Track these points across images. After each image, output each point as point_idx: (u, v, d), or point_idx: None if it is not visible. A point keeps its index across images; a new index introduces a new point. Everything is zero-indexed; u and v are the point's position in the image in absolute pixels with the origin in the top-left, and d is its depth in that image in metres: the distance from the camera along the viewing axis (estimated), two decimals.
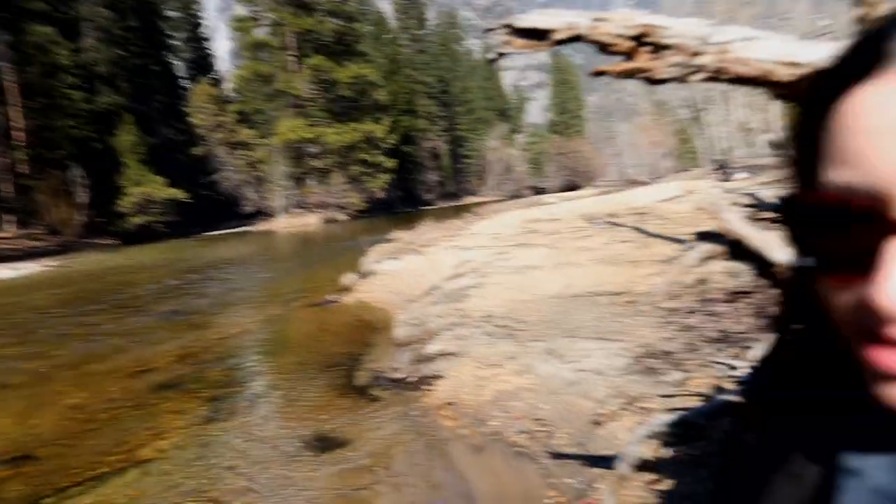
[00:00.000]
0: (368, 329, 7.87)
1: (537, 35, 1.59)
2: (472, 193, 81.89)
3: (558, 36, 1.56)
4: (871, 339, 0.32)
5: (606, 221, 12.86)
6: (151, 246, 32.40)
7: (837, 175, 0.31)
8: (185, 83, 57.42)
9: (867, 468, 0.36)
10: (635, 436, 2.32)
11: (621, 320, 5.86)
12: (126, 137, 40.20)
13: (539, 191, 71.38)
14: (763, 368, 0.37)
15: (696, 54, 1.51)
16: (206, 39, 64.52)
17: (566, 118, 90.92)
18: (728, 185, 17.52)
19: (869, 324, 0.31)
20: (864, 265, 0.31)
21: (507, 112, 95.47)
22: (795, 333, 0.38)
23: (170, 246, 31.03)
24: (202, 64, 61.28)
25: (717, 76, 1.47)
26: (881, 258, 0.30)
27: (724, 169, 25.91)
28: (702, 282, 6.45)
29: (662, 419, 2.16)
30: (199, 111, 44.05)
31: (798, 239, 0.37)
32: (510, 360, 5.11)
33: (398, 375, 5.59)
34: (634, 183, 37.64)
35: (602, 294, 7.09)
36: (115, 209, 38.71)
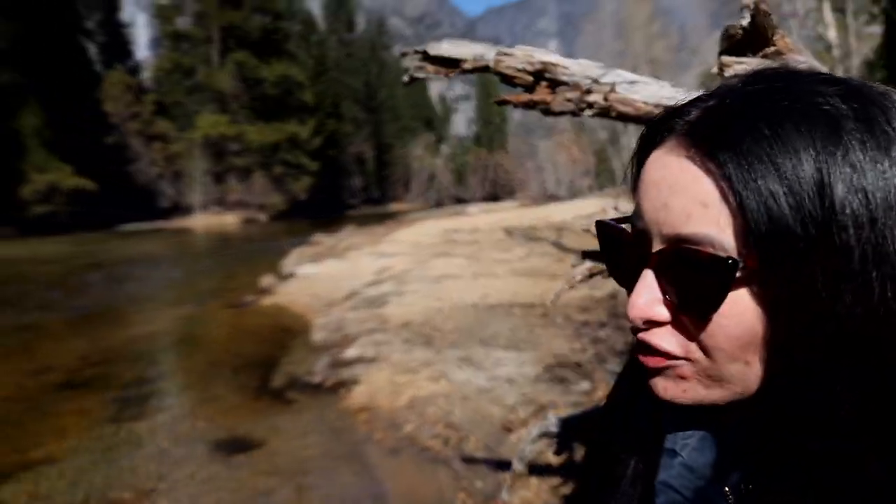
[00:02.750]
0: (286, 332, 7.82)
1: (448, 63, 1.77)
2: (396, 200, 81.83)
3: (467, 66, 1.74)
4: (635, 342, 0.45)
5: (525, 235, 13.28)
6: (55, 238, 30.53)
7: (634, 211, 0.44)
8: (100, 69, 54.65)
9: (679, 447, 0.47)
10: (529, 435, 2.53)
11: (535, 331, 6.14)
12: (29, 120, 37.83)
13: (461, 201, 72.22)
14: (622, 373, 0.57)
15: (587, 92, 1.73)
16: (123, 25, 61.57)
17: (490, 131, 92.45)
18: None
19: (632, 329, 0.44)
20: (630, 284, 0.43)
21: (432, 122, 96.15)
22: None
23: (76, 239, 29.35)
24: (118, 50, 58.31)
25: (605, 113, 1.70)
26: (637, 281, 0.42)
27: None
28: (612, 297, 6.83)
29: (553, 420, 2.36)
30: (113, 99, 42.05)
31: (603, 255, 0.50)
32: (426, 366, 5.27)
33: (315, 379, 5.63)
34: (554, 199, 38.84)
35: (518, 305, 7.38)
36: (16, 196, 36.27)
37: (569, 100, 1.65)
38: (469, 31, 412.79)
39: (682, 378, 0.42)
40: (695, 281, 0.38)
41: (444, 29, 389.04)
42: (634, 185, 0.44)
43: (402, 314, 7.27)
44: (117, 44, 58.77)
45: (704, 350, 0.40)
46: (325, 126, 57.53)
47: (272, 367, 6.25)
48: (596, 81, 1.66)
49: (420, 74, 1.79)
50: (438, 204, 69.66)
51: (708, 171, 0.37)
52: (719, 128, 0.38)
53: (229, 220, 40.15)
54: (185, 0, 44.68)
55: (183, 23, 44.57)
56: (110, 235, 32.13)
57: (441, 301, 7.84)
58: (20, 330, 8.67)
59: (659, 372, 0.43)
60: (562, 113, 1.66)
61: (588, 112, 1.66)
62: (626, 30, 39.86)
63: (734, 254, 0.36)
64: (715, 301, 0.37)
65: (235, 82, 43.41)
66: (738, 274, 0.36)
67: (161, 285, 13.21)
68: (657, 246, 0.41)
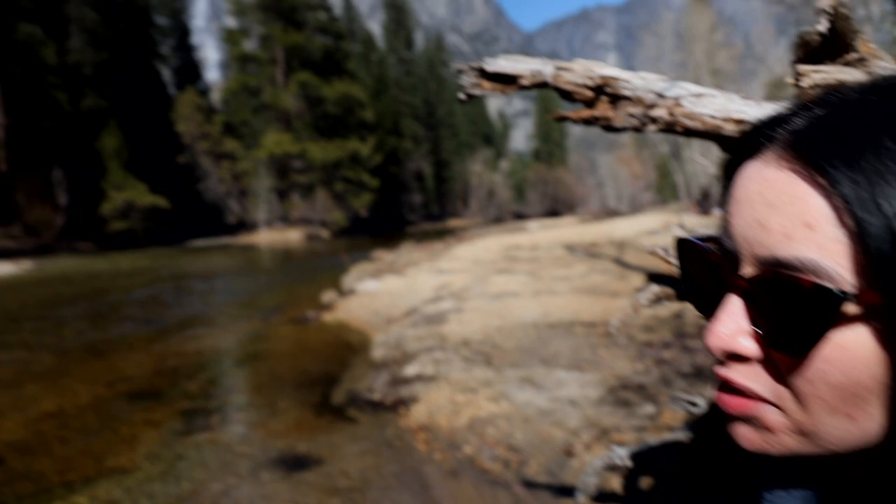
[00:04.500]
0: (346, 348, 7.88)
1: (505, 80, 1.73)
2: (455, 216, 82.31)
3: (524, 82, 1.69)
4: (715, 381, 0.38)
5: (586, 251, 13.06)
6: (131, 253, 32.02)
7: (722, 229, 0.38)
8: (172, 91, 57.30)
9: None
10: (591, 467, 2.43)
11: (597, 351, 5.99)
12: (110, 141, 39.89)
13: (521, 217, 72.00)
14: (710, 410, 0.49)
15: (651, 107, 1.65)
16: (194, 49, 64.45)
17: (549, 147, 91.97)
18: (707, 220, 17.85)
19: (712, 365, 0.37)
20: (712, 310, 0.38)
21: (491, 138, 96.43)
22: None
23: (150, 254, 30.69)
24: (190, 73, 61.13)
25: (670, 128, 1.62)
26: (721, 306, 0.36)
27: (703, 204, 26.36)
28: (678, 316, 6.61)
29: (618, 452, 2.26)
30: (185, 119, 43.90)
31: (682, 276, 0.44)
32: (486, 386, 5.20)
33: (374, 397, 5.63)
34: (615, 214, 38.23)
35: (579, 324, 7.23)
36: (96, 213, 38.27)
37: (631, 115, 1.58)
38: (527, 46, 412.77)
39: (769, 429, 0.36)
40: (792, 314, 0.32)
41: (502, 44, 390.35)
42: (723, 201, 0.39)
43: (461, 332, 7.22)
44: (189, 67, 61.53)
45: (798, 397, 0.34)
46: (386, 143, 58.43)
47: (333, 383, 6.30)
48: (660, 95, 1.60)
49: (476, 92, 1.75)
50: (497, 220, 69.56)
51: (816, 188, 0.32)
52: (832, 139, 0.32)
53: (292, 236, 41.13)
54: (251, 24, 46.34)
55: (249, 46, 46.22)
56: (181, 251, 33.37)
57: (501, 319, 7.76)
58: (98, 340, 9.05)
59: (742, 417, 0.37)
60: (624, 129, 1.60)
61: (652, 127, 1.59)
62: (687, 40, 38.93)
63: (844, 285, 0.31)
64: (815, 339, 0.32)
65: (299, 101, 44.66)
66: (848, 310, 0.31)
67: (227, 300, 13.59)
68: (748, 270, 0.35)
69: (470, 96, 1.79)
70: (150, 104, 52.76)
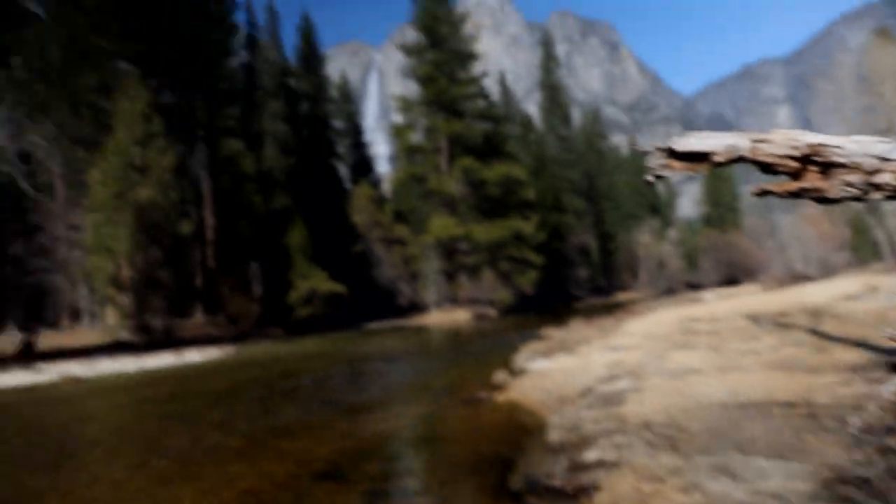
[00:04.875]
0: (521, 430, 7.76)
1: (697, 158, 1.66)
2: (624, 289, 79.78)
3: (718, 158, 1.62)
4: None
5: (774, 321, 11.97)
6: (314, 337, 34.48)
7: None
8: (348, 185, 62.66)
9: None
10: None
11: (802, 436, 5.36)
12: (296, 236, 44.05)
13: (695, 286, 68.09)
14: None
15: (873, 173, 1.49)
16: (366, 146, 70.43)
17: (720, 211, 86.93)
18: None
19: None
20: None
21: (657, 206, 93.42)
22: None
23: (331, 337, 32.84)
24: (363, 167, 66.67)
25: None
26: None
27: None
28: None
29: None
30: (360, 211, 47.41)
31: None
32: (674, 474, 4.83)
33: (554, 483, 5.45)
34: (803, 279, 34.78)
35: (775, 404, 6.55)
36: (285, 301, 42.02)
37: (849, 184, 1.47)
38: (687, 111, 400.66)
39: None
40: None
41: (661, 111, 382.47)
42: None
43: (641, 413, 6.83)
44: (362, 163, 67.14)
45: None
46: (548, 220, 58.76)
47: (509, 467, 6.19)
48: (883, 159, 1.47)
49: (666, 173, 1.72)
50: (669, 291, 66.27)
51: None
52: None
53: (461, 316, 41.99)
54: (416, 118, 49.74)
55: (415, 138, 49.46)
56: (358, 333, 35.31)
57: (684, 398, 7.26)
58: (285, 420, 9.71)
59: None
60: (841, 199, 1.49)
61: (877, 195, 1.46)
62: (873, 81, 35.39)
63: None
64: None
65: (462, 186, 46.56)
66: None
67: (401, 380, 14.06)
68: None
69: (658, 177, 1.77)
70: (329, 199, 57.99)
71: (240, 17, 48.98)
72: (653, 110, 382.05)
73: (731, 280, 66.37)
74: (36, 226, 32.49)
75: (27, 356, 23.68)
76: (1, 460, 8.51)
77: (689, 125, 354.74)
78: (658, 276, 78.23)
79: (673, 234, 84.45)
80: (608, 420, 6.81)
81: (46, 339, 27.61)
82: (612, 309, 33.72)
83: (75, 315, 34.58)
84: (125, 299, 29.03)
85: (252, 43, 54.26)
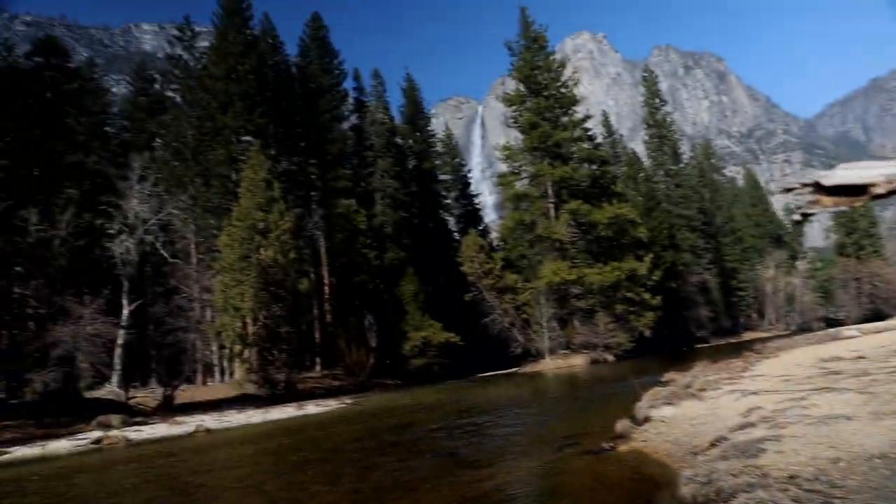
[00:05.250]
0: (649, 483, 7.30)
1: (850, 191, 1.47)
2: (750, 328, 74.91)
3: (879, 190, 1.42)
4: None
5: None
6: (429, 387, 34.70)
7: None
8: (457, 236, 63.65)
9: None
10: None
11: None
12: (408, 287, 45.01)
13: (832, 322, 62.62)
14: None
15: None
16: (473, 196, 71.51)
17: (856, 238, 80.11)
18: None
19: None
20: None
21: (781, 238, 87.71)
22: None
23: (445, 387, 32.90)
24: (470, 217, 67.62)
25: None
26: None
27: None
28: None
29: None
30: (469, 260, 47.79)
31: None
32: None
33: None
34: None
35: None
36: (399, 352, 42.76)
37: None
38: (808, 134, 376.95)
39: None
40: None
41: (778, 138, 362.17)
42: None
43: (784, 465, 6.19)
44: (469, 213, 68.16)
45: None
46: (663, 259, 56.64)
47: None
48: None
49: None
50: (802, 329, 61.38)
51: None
52: None
53: (576, 362, 40.87)
54: (521, 166, 49.99)
55: (520, 185, 49.61)
56: (472, 383, 35.15)
57: (834, 449, 6.54)
58: (403, 471, 9.68)
59: None
60: None
61: None
62: None
63: None
64: None
65: (571, 229, 45.93)
66: None
67: (518, 430, 13.72)
68: None
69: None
70: (439, 250, 59.09)
71: (348, 84, 51.85)
72: (769, 137, 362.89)
73: (876, 314, 60.58)
74: (174, 288, 35.28)
75: (167, 409, 25.42)
76: None
77: (812, 149, 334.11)
78: (788, 312, 72.86)
79: (802, 266, 78.57)
80: (746, 473, 6.25)
81: (183, 394, 29.56)
82: (738, 350, 31.58)
83: (208, 370, 36.89)
84: (250, 354, 30.64)
85: (360, 106, 57.24)
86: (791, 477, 5.81)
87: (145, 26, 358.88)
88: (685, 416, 10.35)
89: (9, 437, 19.81)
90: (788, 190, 1.51)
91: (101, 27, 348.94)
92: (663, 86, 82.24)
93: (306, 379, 36.34)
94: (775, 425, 8.08)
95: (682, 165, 75.92)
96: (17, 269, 26.93)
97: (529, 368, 42.15)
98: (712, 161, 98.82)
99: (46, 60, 29.72)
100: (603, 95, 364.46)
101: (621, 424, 10.54)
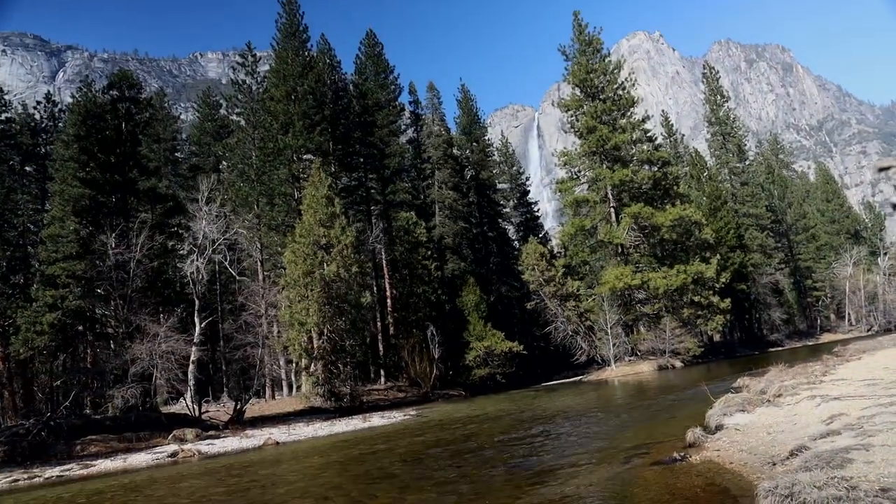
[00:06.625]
0: (724, 496, 7.02)
1: None
2: (828, 330, 71.42)
3: None
4: None
5: None
6: (493, 396, 34.55)
7: None
8: (516, 244, 63.36)
9: None
10: None
11: None
12: (470, 297, 45.01)
13: None
14: None
15: None
16: (533, 203, 71.05)
17: None
18: None
19: None
20: None
21: (860, 234, 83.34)
22: None
23: (509, 396, 32.68)
24: (530, 225, 67.20)
25: None
26: None
27: None
28: None
29: None
30: (530, 268, 47.44)
31: None
32: None
33: None
34: None
35: None
36: (462, 362, 42.77)
37: None
38: (886, 122, 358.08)
39: None
40: None
41: (852, 128, 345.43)
42: None
43: (875, 476, 5.81)
44: (529, 221, 67.76)
45: None
46: (731, 260, 54.79)
47: None
48: None
49: None
50: (887, 330, 58.07)
51: None
52: None
53: (643, 369, 39.92)
54: (579, 171, 49.39)
55: (580, 190, 48.98)
56: (536, 392, 34.80)
57: None
58: (470, 482, 9.64)
59: None
60: None
61: None
62: None
63: None
64: None
65: (633, 234, 45.02)
66: None
67: (585, 440, 13.46)
68: None
69: None
70: (499, 259, 58.96)
71: (404, 98, 52.47)
72: (842, 128, 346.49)
73: None
74: (242, 305, 36.42)
75: (238, 423, 26.18)
76: None
77: (891, 138, 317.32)
78: (870, 312, 69.04)
79: (884, 262, 74.32)
80: (832, 485, 5.91)
81: (252, 408, 30.40)
82: (816, 353, 30.18)
83: (276, 384, 37.84)
84: (316, 368, 31.25)
85: (417, 119, 57.92)
86: (884, 489, 5.47)
87: (210, 55, 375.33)
88: (761, 423, 9.94)
89: (94, 450, 20.86)
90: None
91: (170, 58, 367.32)
92: (725, 81, 79.84)
93: (371, 391, 36.78)
94: (862, 433, 7.64)
95: (747, 163, 73.27)
96: (98, 290, 28.36)
97: (594, 376, 41.41)
98: (780, 157, 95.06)
99: (121, 93, 31.34)
100: (662, 95, 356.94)
101: (692, 433, 10.19)
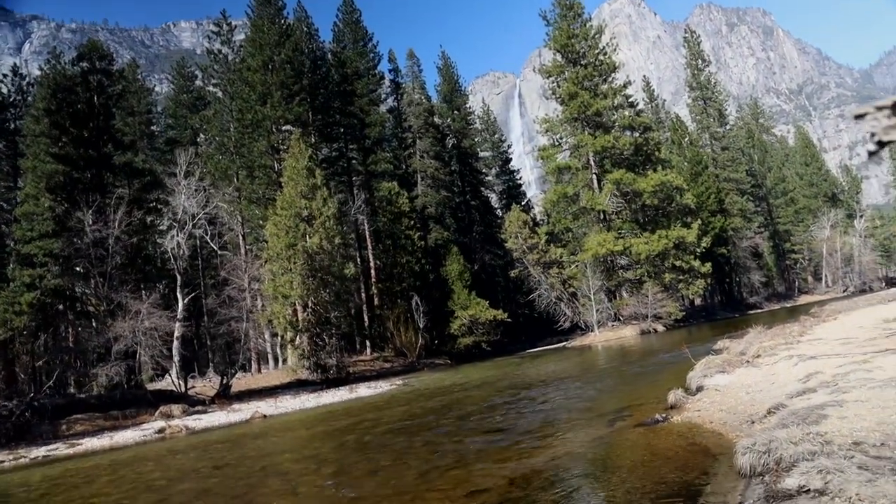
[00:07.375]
0: (704, 454, 7.15)
1: None
2: (806, 292, 72.66)
3: None
4: None
5: None
6: (478, 364, 34.83)
7: None
8: (499, 212, 63.34)
9: None
10: None
11: None
12: (454, 266, 45.05)
13: (895, 283, 60.14)
14: None
15: None
16: (515, 171, 70.85)
17: None
18: None
19: None
20: None
21: (837, 196, 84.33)
22: None
23: (494, 364, 32.97)
24: (513, 193, 67.12)
25: None
26: None
27: None
28: None
29: None
30: (513, 236, 47.53)
31: None
32: None
33: None
34: None
35: None
36: (447, 331, 42.98)
37: None
38: (864, 86, 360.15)
39: None
40: None
41: (832, 92, 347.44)
42: None
43: (849, 431, 5.96)
44: (511, 189, 67.63)
45: None
46: (712, 225, 55.26)
47: (695, 497, 5.70)
48: None
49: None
50: (862, 290, 59.18)
51: None
52: None
53: (626, 334, 40.41)
54: (561, 137, 49.21)
55: (562, 157, 48.87)
56: (522, 358, 35.11)
57: None
58: (454, 451, 9.73)
59: None
60: None
61: None
62: None
63: None
64: None
65: (616, 200, 45.14)
66: None
67: (569, 405, 13.63)
68: None
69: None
70: (482, 228, 58.95)
71: (383, 66, 51.76)
72: (821, 92, 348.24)
73: None
74: (224, 280, 36.17)
75: (224, 397, 26.18)
76: (208, 489, 9.37)
77: (869, 101, 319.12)
78: (846, 273, 70.27)
79: (860, 224, 75.42)
80: (807, 441, 6.03)
81: (239, 382, 30.40)
82: (793, 314, 30.69)
83: (262, 358, 37.82)
84: (301, 340, 31.24)
85: (397, 88, 57.14)
86: (856, 443, 5.60)
87: (183, 24, 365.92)
88: (740, 384, 10.11)
89: (80, 429, 20.78)
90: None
91: (142, 28, 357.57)
92: (706, 46, 79.58)
93: (357, 362, 36.92)
94: (837, 390, 7.80)
95: (728, 127, 73.49)
96: (77, 268, 27.96)
97: (578, 342, 41.88)
98: (761, 121, 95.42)
99: (92, 65, 30.43)
100: (643, 60, 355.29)
101: (674, 395, 10.36)
